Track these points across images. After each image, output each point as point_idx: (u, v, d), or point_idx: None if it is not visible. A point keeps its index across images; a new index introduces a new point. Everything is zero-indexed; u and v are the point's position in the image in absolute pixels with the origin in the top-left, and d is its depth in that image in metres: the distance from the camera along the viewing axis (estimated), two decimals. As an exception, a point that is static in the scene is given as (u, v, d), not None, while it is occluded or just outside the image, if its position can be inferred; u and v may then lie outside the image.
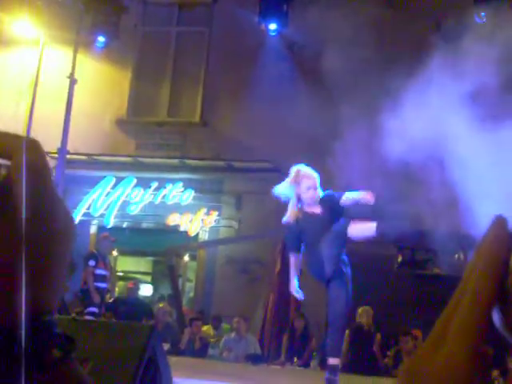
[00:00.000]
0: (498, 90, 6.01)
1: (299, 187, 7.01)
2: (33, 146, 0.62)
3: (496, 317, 0.50)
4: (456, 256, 12.73)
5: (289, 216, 7.16)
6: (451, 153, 5.82)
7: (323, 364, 12.52)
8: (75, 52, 14.38)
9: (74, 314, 11.75)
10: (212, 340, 13.77)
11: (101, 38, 16.67)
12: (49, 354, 0.58)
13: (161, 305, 14.84)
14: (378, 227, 7.02)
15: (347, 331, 12.45)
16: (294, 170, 7.13)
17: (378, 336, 12.67)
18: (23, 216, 0.56)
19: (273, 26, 16.04)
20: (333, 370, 6.94)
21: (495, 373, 9.21)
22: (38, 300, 0.58)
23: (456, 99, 5.85)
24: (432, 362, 0.47)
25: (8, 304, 0.57)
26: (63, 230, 0.63)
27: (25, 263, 0.56)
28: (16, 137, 0.62)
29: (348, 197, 7.01)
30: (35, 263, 0.58)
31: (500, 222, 0.52)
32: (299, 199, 7.12)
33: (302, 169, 7.13)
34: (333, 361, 7.00)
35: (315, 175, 7.12)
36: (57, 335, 0.59)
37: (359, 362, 12.20)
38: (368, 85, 10.44)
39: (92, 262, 12.78)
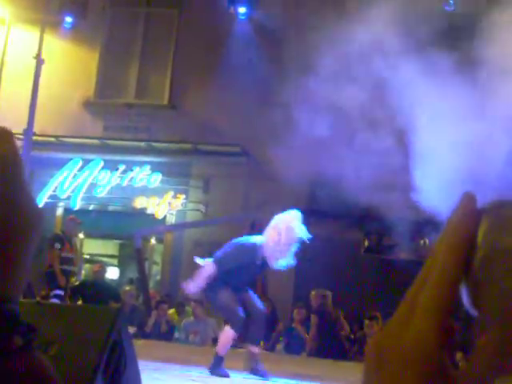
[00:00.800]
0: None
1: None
2: (3, 135, 0.63)
3: (463, 293, 0.50)
4: (421, 242, 12.86)
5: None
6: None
7: (289, 347, 12.61)
8: (42, 32, 14.18)
9: (38, 298, 11.68)
10: (177, 324, 13.79)
11: (68, 19, 16.50)
12: (10, 342, 0.58)
13: (127, 288, 14.81)
14: None
15: (314, 316, 12.54)
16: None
17: (344, 320, 12.76)
18: None
19: (242, 10, 15.97)
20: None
21: (459, 355, 9.31)
22: None
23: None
24: (400, 339, 0.47)
25: None
26: (27, 221, 0.62)
27: None
28: None
29: None
30: None
31: (468, 197, 0.52)
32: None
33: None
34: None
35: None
36: (19, 323, 0.59)
37: (327, 347, 12.28)
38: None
39: (57, 245, 12.66)
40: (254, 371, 7.43)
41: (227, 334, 7.56)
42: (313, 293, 12.87)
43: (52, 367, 0.61)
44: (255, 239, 7.55)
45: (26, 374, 0.60)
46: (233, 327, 7.44)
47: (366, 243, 14.57)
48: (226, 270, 7.46)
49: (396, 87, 6.27)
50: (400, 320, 0.48)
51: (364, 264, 14.30)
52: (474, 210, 0.51)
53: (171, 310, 14.05)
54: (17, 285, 0.60)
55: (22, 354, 0.59)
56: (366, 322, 12.07)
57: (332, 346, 12.28)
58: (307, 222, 15.05)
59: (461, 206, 0.51)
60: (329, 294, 12.78)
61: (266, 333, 13.08)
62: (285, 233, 7.17)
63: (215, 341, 12.98)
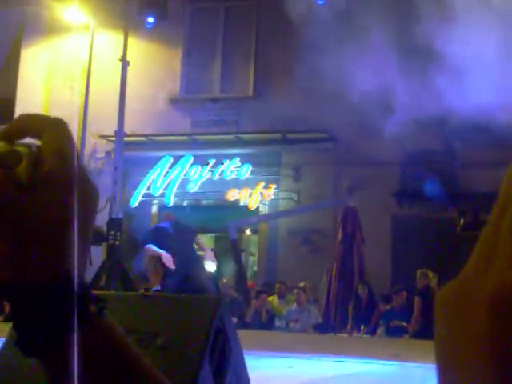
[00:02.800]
0: None
1: None
2: (59, 126, 0.68)
3: None
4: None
5: None
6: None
7: (389, 331, 12.53)
8: (126, 35, 14.45)
9: (142, 290, 11.92)
10: (277, 312, 13.86)
11: (150, 19, 16.73)
12: (87, 309, 0.65)
13: (225, 280, 14.97)
14: None
15: (417, 298, 12.35)
16: None
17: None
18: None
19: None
20: None
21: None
22: (66, 266, 0.64)
23: None
24: (480, 284, 0.43)
25: (57, 261, 0.64)
26: (92, 198, 0.68)
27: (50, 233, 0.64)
28: (45, 118, 0.69)
29: None
30: (61, 232, 0.64)
31: None
32: None
33: None
34: None
35: None
36: (89, 294, 0.66)
37: (431, 329, 12.13)
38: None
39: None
40: None
41: None
42: (418, 273, 12.67)
43: (123, 332, 0.68)
44: None
45: (102, 336, 0.67)
46: None
47: (462, 221, 14.32)
48: None
49: None
50: (477, 265, 0.44)
51: (461, 242, 14.05)
52: None
53: (271, 297, 14.13)
54: (84, 262, 0.67)
55: (97, 320, 0.66)
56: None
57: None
58: (400, 204, 14.92)
59: None
60: (433, 274, 12.60)
61: (365, 317, 13.06)
62: None
63: (316, 328, 13.04)
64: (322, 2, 15.98)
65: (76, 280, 0.62)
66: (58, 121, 0.68)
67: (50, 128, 0.66)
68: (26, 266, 0.63)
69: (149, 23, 16.72)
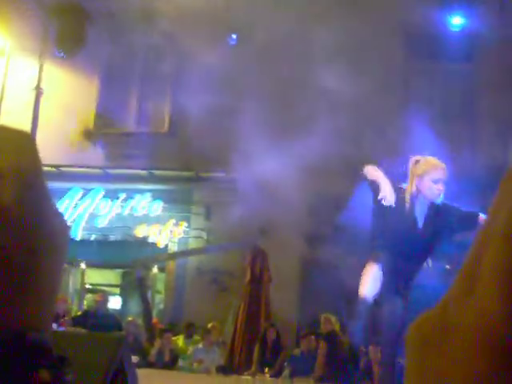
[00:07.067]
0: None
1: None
2: (26, 144, 0.57)
3: None
4: None
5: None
6: None
7: (294, 374, 12.49)
8: (41, 63, 14.24)
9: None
10: (184, 351, 13.67)
11: (66, 49, 16.52)
12: (35, 376, 0.50)
13: (130, 318, 14.72)
14: None
15: (322, 342, 12.37)
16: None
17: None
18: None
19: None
20: None
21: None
22: (22, 316, 0.49)
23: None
24: (463, 310, 0.42)
25: None
26: (52, 240, 0.54)
27: (4, 276, 0.49)
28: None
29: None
30: (18, 276, 0.50)
31: None
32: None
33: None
34: None
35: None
36: (45, 354, 0.51)
37: (336, 372, 12.15)
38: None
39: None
40: None
41: None
42: (322, 318, 12.71)
43: None
44: None
45: None
46: None
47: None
48: None
49: None
50: (458, 296, 0.44)
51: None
52: None
53: (175, 337, 13.95)
54: (44, 311, 0.52)
55: None
56: None
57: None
58: (310, 247, 14.88)
59: None
60: (335, 319, 12.64)
61: (270, 359, 13.00)
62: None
63: (219, 369, 12.89)
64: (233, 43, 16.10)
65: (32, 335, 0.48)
66: (25, 137, 0.56)
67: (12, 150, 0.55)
68: None
69: (60, 54, 16.49)
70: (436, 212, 5.64)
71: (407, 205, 5.60)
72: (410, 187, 5.68)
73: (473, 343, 0.40)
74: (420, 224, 5.65)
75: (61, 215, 0.51)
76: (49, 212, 0.51)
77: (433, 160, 5.68)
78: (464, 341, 0.40)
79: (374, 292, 5.43)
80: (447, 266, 5.52)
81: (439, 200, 5.64)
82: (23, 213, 0.49)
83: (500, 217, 0.44)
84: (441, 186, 5.59)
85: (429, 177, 5.58)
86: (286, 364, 12.78)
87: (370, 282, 5.44)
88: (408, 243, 5.51)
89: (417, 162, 5.72)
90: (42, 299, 0.48)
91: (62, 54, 15.63)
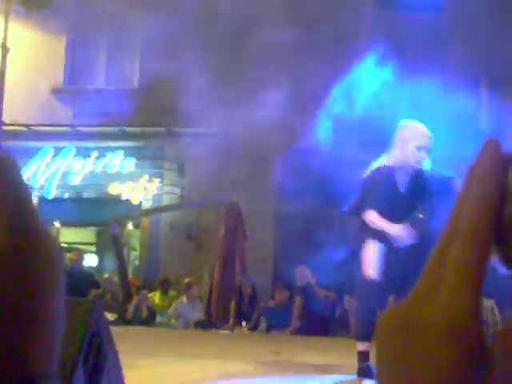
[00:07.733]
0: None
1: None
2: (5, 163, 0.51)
3: (495, 253, 0.43)
4: None
5: None
6: None
7: (270, 327, 12.63)
8: (7, 20, 13.95)
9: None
10: (160, 308, 13.73)
11: (29, 5, 16.17)
12: None
13: (106, 275, 14.74)
14: None
15: (297, 296, 12.50)
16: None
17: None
18: None
19: None
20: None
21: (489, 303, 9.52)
22: (26, 362, 0.43)
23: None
24: (426, 312, 0.42)
25: None
26: (49, 267, 0.47)
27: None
28: None
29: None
30: (16, 314, 0.43)
31: (494, 143, 0.44)
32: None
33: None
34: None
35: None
36: None
37: (311, 324, 12.28)
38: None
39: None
40: None
41: None
42: (298, 270, 12.80)
43: None
44: None
45: None
46: None
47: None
48: None
49: None
50: (423, 292, 0.43)
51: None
52: (500, 155, 0.44)
53: (151, 293, 13.99)
54: (47, 355, 0.45)
55: None
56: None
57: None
58: (283, 200, 14.93)
59: (486, 152, 0.44)
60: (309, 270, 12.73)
61: (247, 313, 13.11)
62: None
63: (197, 324, 12.97)
64: None
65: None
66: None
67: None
68: None
69: (20, 11, 16.11)
70: (416, 177, 5.81)
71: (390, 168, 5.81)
72: (394, 150, 5.85)
73: (439, 339, 0.40)
74: (402, 188, 5.83)
75: (47, 229, 0.45)
76: (38, 222, 0.44)
77: (419, 127, 5.81)
78: (430, 336, 0.41)
79: (379, 272, 5.67)
80: (420, 215, 5.59)
81: (423, 167, 5.79)
82: (19, 257, 0.43)
83: (464, 211, 0.43)
84: (423, 154, 5.74)
85: (413, 143, 5.72)
86: (261, 317, 12.90)
87: (375, 261, 5.69)
88: (390, 205, 5.72)
89: (404, 127, 5.87)
90: (48, 339, 0.42)
91: (23, 10, 15.27)
